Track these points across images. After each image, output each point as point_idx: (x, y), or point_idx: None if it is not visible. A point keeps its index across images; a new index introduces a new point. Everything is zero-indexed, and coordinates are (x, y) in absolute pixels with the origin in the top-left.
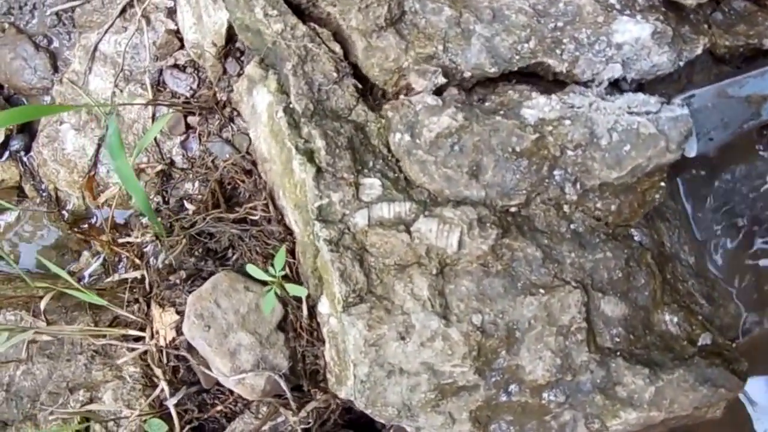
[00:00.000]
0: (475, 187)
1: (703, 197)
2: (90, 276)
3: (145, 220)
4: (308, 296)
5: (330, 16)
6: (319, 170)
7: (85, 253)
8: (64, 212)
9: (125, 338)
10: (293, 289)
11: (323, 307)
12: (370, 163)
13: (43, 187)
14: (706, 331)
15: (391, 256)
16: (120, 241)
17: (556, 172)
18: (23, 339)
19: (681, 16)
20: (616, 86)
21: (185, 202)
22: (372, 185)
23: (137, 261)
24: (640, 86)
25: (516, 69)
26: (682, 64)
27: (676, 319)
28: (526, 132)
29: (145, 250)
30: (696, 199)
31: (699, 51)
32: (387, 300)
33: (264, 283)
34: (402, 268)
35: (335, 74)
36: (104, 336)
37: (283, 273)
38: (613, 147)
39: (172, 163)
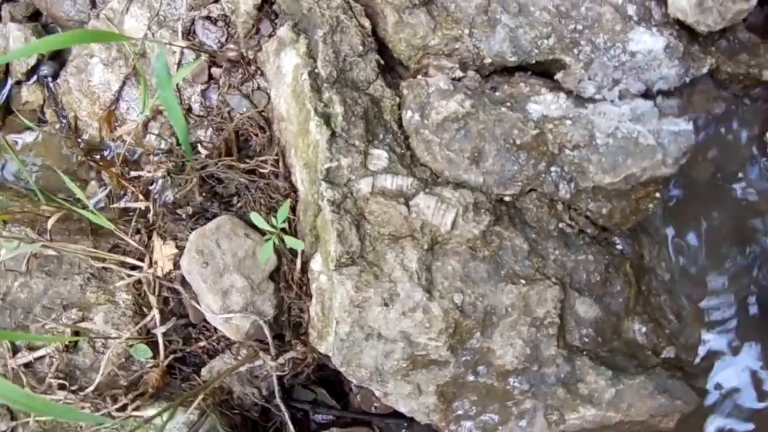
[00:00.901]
0: (475, 172)
1: (684, 220)
2: (95, 205)
3: (157, 158)
4: (303, 252)
5: None
6: (333, 134)
7: (93, 183)
8: (79, 140)
9: (123, 265)
10: (291, 241)
11: (316, 264)
12: (381, 136)
13: (64, 114)
14: (671, 345)
15: (387, 225)
16: (130, 175)
17: (552, 169)
18: (25, 252)
19: (691, 36)
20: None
21: (199, 146)
22: (380, 156)
23: (141, 197)
24: (644, 97)
25: (534, 62)
26: (688, 80)
27: (644, 329)
28: (528, 127)
29: (150, 188)
30: (677, 220)
31: (705, 70)
32: (377, 266)
33: (263, 233)
34: (396, 238)
35: (361, 48)
36: (103, 260)
37: (283, 225)
38: (610, 152)
39: (189, 109)
